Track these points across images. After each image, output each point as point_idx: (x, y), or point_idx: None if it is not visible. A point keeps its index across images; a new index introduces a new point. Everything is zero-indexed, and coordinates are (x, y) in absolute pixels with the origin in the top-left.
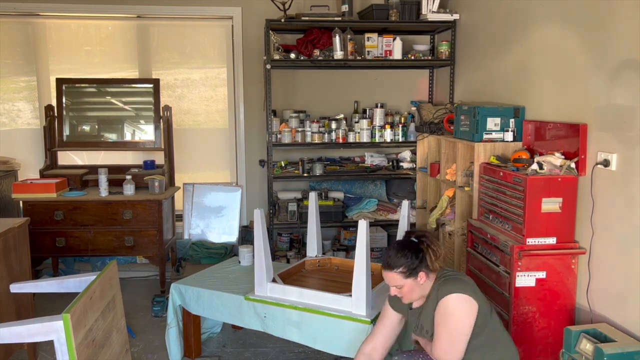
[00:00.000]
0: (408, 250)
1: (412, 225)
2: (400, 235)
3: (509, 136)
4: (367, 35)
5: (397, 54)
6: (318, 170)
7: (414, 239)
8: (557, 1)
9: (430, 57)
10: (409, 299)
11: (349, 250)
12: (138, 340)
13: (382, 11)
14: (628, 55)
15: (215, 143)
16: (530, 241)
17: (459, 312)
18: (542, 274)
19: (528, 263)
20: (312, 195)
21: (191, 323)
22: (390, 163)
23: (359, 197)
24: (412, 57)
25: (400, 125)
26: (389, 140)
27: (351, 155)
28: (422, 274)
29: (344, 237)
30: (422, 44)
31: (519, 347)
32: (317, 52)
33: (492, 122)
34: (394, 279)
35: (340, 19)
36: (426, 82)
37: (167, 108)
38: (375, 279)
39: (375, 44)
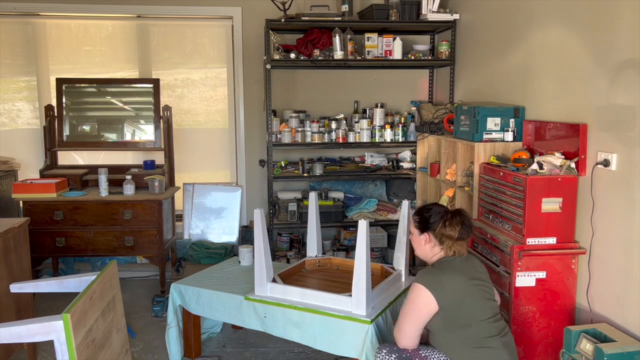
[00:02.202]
0: (433, 211)
1: None
2: (400, 235)
3: (509, 136)
4: (367, 35)
5: (397, 54)
6: (318, 170)
7: (447, 208)
8: (558, 1)
9: (430, 57)
10: (415, 249)
11: (349, 250)
12: (138, 340)
13: (382, 11)
14: (629, 55)
15: (215, 143)
16: (530, 241)
17: (413, 299)
18: (542, 274)
19: (528, 263)
20: (312, 195)
21: (191, 323)
22: (390, 163)
23: (359, 197)
24: (412, 57)
25: (400, 125)
26: (389, 140)
27: (351, 155)
28: (426, 235)
29: (344, 237)
30: (422, 44)
31: (519, 347)
32: (317, 52)
33: (492, 122)
34: (412, 221)
35: (340, 19)
36: (426, 82)
37: (167, 108)
38: (375, 279)
39: (375, 44)
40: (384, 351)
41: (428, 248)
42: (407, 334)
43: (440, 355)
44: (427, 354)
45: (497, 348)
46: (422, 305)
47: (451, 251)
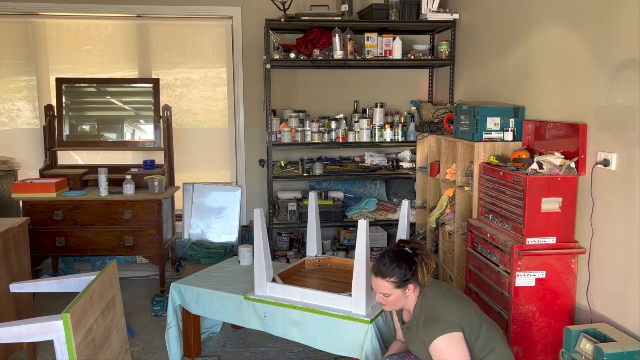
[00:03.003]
0: (403, 262)
1: (412, 225)
2: (400, 235)
3: (509, 136)
4: (367, 35)
5: (397, 54)
6: (318, 170)
7: (408, 250)
8: (558, 1)
9: (430, 57)
10: (392, 308)
11: (349, 250)
12: (138, 340)
13: (382, 11)
14: (629, 55)
15: (215, 143)
16: (530, 241)
17: (450, 353)
18: (542, 274)
19: (528, 263)
20: (312, 195)
21: (191, 323)
22: (390, 163)
23: (359, 197)
24: (412, 57)
25: (400, 125)
26: (389, 140)
27: (351, 155)
28: (411, 287)
29: (344, 237)
30: (422, 44)
31: (519, 347)
32: (317, 52)
33: (492, 122)
34: (384, 287)
35: (340, 18)
36: (426, 82)
37: (167, 108)
38: None
39: (375, 44)
40: None
41: (415, 296)
42: None
43: None
44: None
45: (505, 347)
46: (462, 344)
47: (427, 280)
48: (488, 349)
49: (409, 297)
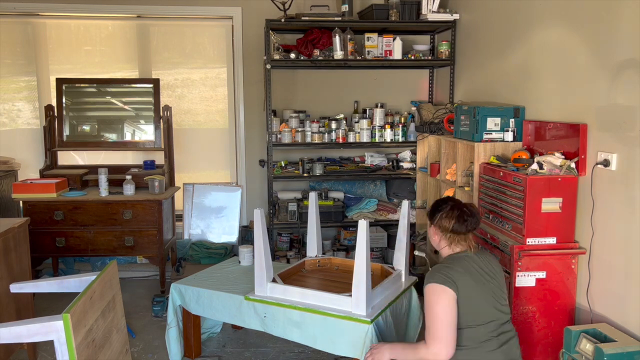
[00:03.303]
0: (441, 204)
1: (412, 225)
2: (400, 235)
3: (509, 136)
4: (367, 35)
5: (397, 54)
6: (318, 170)
7: (455, 203)
8: (558, 1)
9: (430, 57)
10: (431, 241)
11: (349, 250)
12: (138, 340)
13: (382, 11)
14: (629, 55)
15: (215, 143)
16: (530, 241)
17: (436, 301)
18: (542, 274)
19: (528, 263)
20: (312, 195)
21: (191, 323)
22: (390, 163)
23: (359, 197)
24: (412, 57)
25: (400, 125)
26: (389, 140)
27: (351, 155)
28: (432, 229)
29: (344, 237)
30: (422, 44)
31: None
32: (317, 52)
33: (492, 122)
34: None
35: (340, 19)
36: (426, 82)
37: (167, 108)
38: (375, 279)
39: (375, 44)
40: None
41: (437, 240)
42: (447, 340)
43: None
44: None
45: (494, 349)
46: (444, 301)
47: (457, 247)
48: (476, 344)
49: (434, 238)
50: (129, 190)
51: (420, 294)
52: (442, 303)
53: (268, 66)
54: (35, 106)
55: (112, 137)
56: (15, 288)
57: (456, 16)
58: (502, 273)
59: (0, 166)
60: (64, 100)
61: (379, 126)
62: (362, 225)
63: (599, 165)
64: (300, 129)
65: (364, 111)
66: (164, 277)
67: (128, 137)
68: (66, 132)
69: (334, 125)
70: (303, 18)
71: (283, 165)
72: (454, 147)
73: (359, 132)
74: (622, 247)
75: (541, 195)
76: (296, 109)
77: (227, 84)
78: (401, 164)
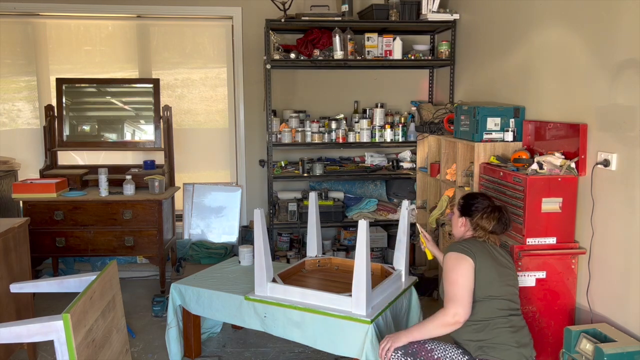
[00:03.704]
0: (478, 201)
1: (412, 225)
2: (400, 235)
3: (509, 136)
4: (367, 35)
5: (397, 54)
6: (318, 170)
7: (491, 202)
8: (558, 1)
9: (430, 57)
10: (452, 227)
11: (349, 250)
12: (138, 340)
13: (382, 11)
14: (629, 54)
15: (215, 143)
16: (530, 241)
17: (454, 266)
18: (542, 274)
19: (528, 263)
20: (312, 195)
21: (191, 323)
22: (390, 163)
23: (359, 197)
24: (412, 57)
25: (400, 125)
26: (389, 140)
27: (351, 155)
28: (463, 220)
29: (344, 237)
30: (422, 44)
31: None
32: (317, 52)
33: (492, 122)
34: (457, 204)
35: (340, 19)
36: (426, 82)
37: (167, 108)
38: (375, 279)
39: (375, 44)
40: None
41: (462, 230)
42: (464, 302)
43: (446, 346)
44: (433, 347)
45: (502, 327)
46: (463, 268)
47: (483, 238)
48: (478, 317)
49: (459, 228)
50: (129, 190)
51: (420, 293)
52: (460, 270)
53: (268, 66)
54: (35, 106)
55: (112, 137)
56: (15, 288)
57: (456, 16)
58: (514, 269)
59: (0, 166)
60: (64, 100)
61: (379, 126)
62: (362, 225)
63: (599, 165)
64: (300, 129)
65: (364, 111)
66: (164, 277)
67: (128, 137)
68: (66, 132)
69: (334, 125)
70: (303, 18)
71: (283, 165)
72: (454, 147)
73: (359, 132)
74: (622, 247)
75: (541, 195)
76: (296, 109)
77: (227, 84)
78: (401, 164)
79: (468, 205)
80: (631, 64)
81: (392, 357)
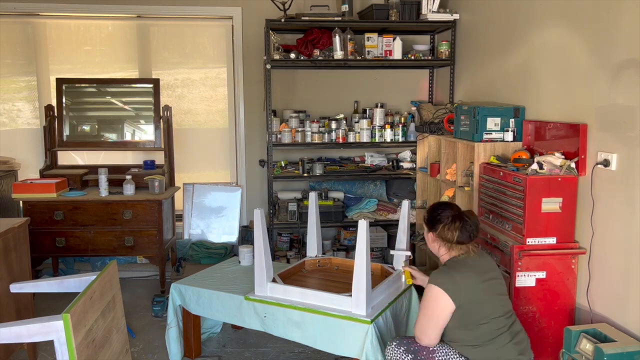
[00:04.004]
0: (441, 212)
1: (412, 225)
2: (400, 235)
3: (509, 136)
4: (367, 35)
5: (397, 54)
6: (318, 170)
7: (455, 211)
8: (558, 1)
9: (430, 57)
10: (428, 244)
11: (349, 250)
12: (138, 340)
13: (382, 11)
14: (629, 54)
15: (215, 143)
16: (530, 241)
17: (431, 301)
18: (542, 274)
19: (528, 263)
20: (312, 195)
21: (191, 323)
22: (390, 163)
23: (359, 197)
24: (412, 57)
25: (400, 125)
26: (389, 140)
27: (351, 155)
28: (431, 235)
29: (344, 237)
30: (422, 44)
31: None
32: (317, 52)
33: (492, 122)
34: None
35: (340, 19)
36: (426, 82)
37: (167, 108)
38: (375, 279)
39: (375, 44)
40: (394, 343)
41: (436, 246)
42: (431, 336)
43: (449, 349)
44: (434, 348)
45: (507, 344)
46: (440, 307)
47: (459, 252)
48: (488, 338)
49: (432, 244)
50: (129, 190)
51: (421, 293)
52: (438, 308)
53: (268, 66)
54: (35, 106)
55: (112, 137)
56: (15, 288)
57: (456, 16)
58: (500, 272)
59: (0, 166)
60: (64, 100)
61: (379, 126)
62: (362, 225)
63: (599, 165)
64: (300, 129)
65: (364, 111)
66: (164, 277)
67: (128, 137)
68: (66, 132)
69: (334, 125)
70: (303, 18)
71: (283, 165)
72: (454, 147)
73: (359, 132)
74: (622, 247)
75: (541, 195)
76: (296, 109)
77: (227, 84)
78: (401, 164)
79: (432, 218)
80: (631, 64)
81: (394, 351)
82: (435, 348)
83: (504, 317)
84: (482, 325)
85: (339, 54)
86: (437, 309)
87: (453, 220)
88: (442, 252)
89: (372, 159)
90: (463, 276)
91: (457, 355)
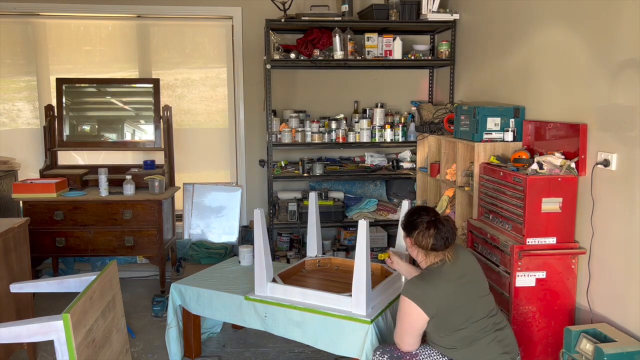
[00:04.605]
0: (417, 218)
1: None
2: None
3: (509, 136)
4: (367, 35)
5: (397, 54)
6: (318, 170)
7: (430, 217)
8: (558, 1)
9: (430, 57)
10: (409, 250)
11: (349, 250)
12: (138, 340)
13: (382, 11)
14: (629, 55)
15: (215, 143)
16: (530, 241)
17: (405, 312)
18: (542, 274)
19: (528, 263)
20: (312, 195)
21: (191, 323)
22: (390, 163)
23: (359, 197)
24: (412, 57)
25: (400, 125)
26: (389, 140)
27: (351, 155)
28: (408, 240)
29: (344, 237)
30: (422, 44)
31: (519, 347)
32: (317, 52)
33: (492, 122)
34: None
35: (340, 18)
36: (426, 82)
37: (167, 108)
38: (375, 279)
39: (375, 44)
40: (377, 353)
41: (414, 252)
42: (409, 343)
43: (432, 351)
44: (417, 351)
45: (490, 343)
46: (413, 317)
47: (436, 258)
48: (471, 340)
49: (411, 249)
50: (129, 190)
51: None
52: (411, 319)
53: (268, 66)
54: (35, 106)
55: (112, 137)
56: (15, 288)
57: (456, 16)
58: (479, 266)
59: (0, 166)
60: (64, 100)
61: (379, 126)
62: (362, 225)
63: (599, 165)
64: (300, 129)
65: (364, 111)
66: (164, 277)
67: (128, 137)
68: (66, 132)
69: (334, 125)
70: (303, 18)
71: (283, 165)
72: (454, 147)
73: (359, 132)
74: (622, 247)
75: (541, 195)
76: (296, 109)
77: (227, 84)
78: (401, 164)
79: (408, 223)
80: (631, 64)
81: (378, 359)
82: (418, 351)
83: (486, 317)
84: (460, 330)
85: (339, 54)
86: (411, 319)
87: (427, 227)
88: (420, 259)
89: (372, 159)
90: (435, 288)
91: (440, 356)
